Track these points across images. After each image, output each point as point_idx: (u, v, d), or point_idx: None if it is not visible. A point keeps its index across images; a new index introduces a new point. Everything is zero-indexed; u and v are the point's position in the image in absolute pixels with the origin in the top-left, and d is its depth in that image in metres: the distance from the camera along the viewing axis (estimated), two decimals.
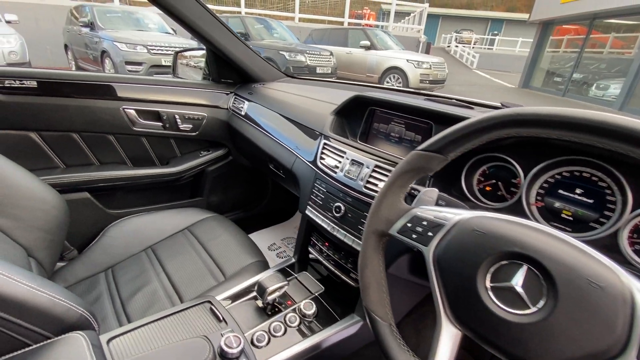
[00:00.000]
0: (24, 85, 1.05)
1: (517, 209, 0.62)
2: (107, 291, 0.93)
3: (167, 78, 1.35)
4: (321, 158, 0.92)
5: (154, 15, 6.53)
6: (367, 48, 7.40)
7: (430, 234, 0.45)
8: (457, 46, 16.90)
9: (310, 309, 0.81)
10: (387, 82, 7.16)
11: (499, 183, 0.66)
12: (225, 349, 0.57)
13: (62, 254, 1.15)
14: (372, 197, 0.76)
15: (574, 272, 0.34)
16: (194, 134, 1.39)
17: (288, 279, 0.91)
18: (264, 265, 1.02)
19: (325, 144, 0.93)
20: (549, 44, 10.77)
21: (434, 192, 0.53)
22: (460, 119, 0.72)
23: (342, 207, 0.82)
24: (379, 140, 0.88)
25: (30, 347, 0.51)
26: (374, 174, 0.77)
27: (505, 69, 15.62)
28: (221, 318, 0.71)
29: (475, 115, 0.74)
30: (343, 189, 0.83)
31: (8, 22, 5.17)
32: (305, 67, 6.20)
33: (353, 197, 0.81)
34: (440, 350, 0.41)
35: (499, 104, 0.92)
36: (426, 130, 0.78)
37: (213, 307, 0.74)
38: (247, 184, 1.72)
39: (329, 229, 0.86)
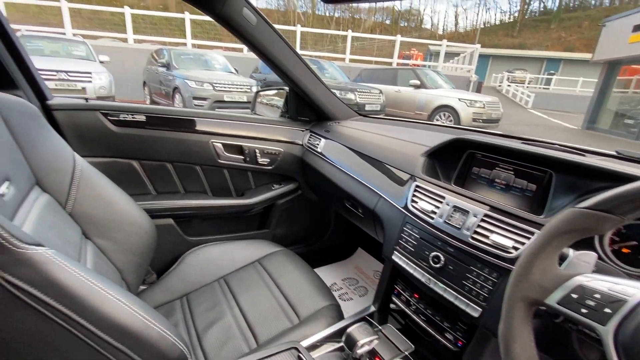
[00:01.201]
0: (135, 119, 1.17)
1: None
2: (183, 320, 0.93)
3: (250, 115, 1.44)
4: (413, 201, 0.88)
5: (220, 57, 7.28)
6: (417, 87, 7.45)
7: (608, 310, 0.38)
8: (509, 85, 16.46)
9: None
10: (437, 120, 7.07)
11: None
12: None
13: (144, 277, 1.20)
14: (480, 250, 0.69)
15: None
16: (269, 167, 1.43)
17: (374, 329, 0.84)
18: (337, 310, 0.97)
19: (417, 186, 0.89)
20: (615, 84, 10.07)
21: (591, 257, 0.45)
22: (590, 168, 0.64)
23: (442, 258, 0.75)
24: (480, 186, 0.82)
25: None
26: (483, 224, 0.71)
27: (564, 109, 14.81)
28: None
29: (592, 162, 0.66)
30: (442, 237, 0.77)
31: (101, 62, 6.08)
32: (354, 104, 6.36)
33: (455, 247, 0.74)
34: None
35: (613, 152, 0.84)
36: (543, 179, 0.71)
37: (300, 355, 0.70)
38: (310, 219, 1.71)
39: (423, 280, 0.79)
